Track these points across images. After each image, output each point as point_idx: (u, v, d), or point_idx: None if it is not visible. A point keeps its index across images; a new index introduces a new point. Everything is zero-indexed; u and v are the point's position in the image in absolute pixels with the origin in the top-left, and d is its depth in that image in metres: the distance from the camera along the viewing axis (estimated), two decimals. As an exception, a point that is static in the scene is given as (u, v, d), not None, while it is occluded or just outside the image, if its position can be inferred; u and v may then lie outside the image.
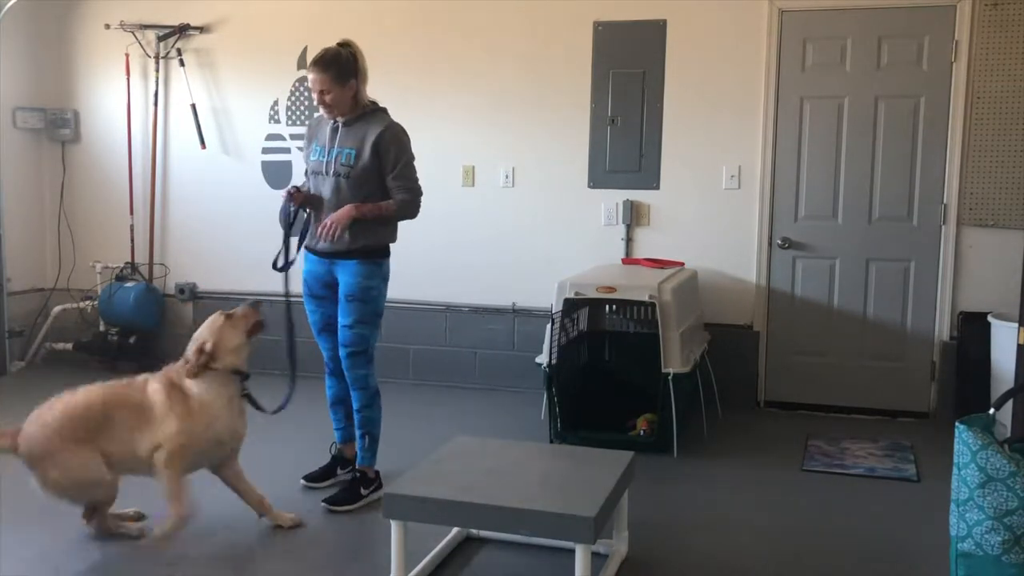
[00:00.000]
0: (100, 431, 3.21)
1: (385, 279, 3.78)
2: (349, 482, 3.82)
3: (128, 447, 3.23)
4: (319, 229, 3.63)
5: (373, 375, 3.79)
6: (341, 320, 3.72)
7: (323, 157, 3.71)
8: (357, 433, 3.83)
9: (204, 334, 3.40)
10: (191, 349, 3.38)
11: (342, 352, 3.75)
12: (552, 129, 5.59)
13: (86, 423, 3.20)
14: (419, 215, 3.76)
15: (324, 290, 3.80)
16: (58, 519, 3.50)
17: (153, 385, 3.32)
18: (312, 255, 3.81)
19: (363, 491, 3.75)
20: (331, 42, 3.70)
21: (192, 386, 3.31)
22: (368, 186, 3.66)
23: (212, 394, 3.32)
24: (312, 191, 3.77)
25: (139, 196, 6.29)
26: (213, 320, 3.45)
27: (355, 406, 3.82)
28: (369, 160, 3.63)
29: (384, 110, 3.77)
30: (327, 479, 3.93)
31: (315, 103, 3.70)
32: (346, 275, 3.71)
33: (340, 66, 3.60)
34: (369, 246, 3.69)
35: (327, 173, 3.68)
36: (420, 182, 3.75)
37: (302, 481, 3.87)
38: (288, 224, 3.78)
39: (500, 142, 5.68)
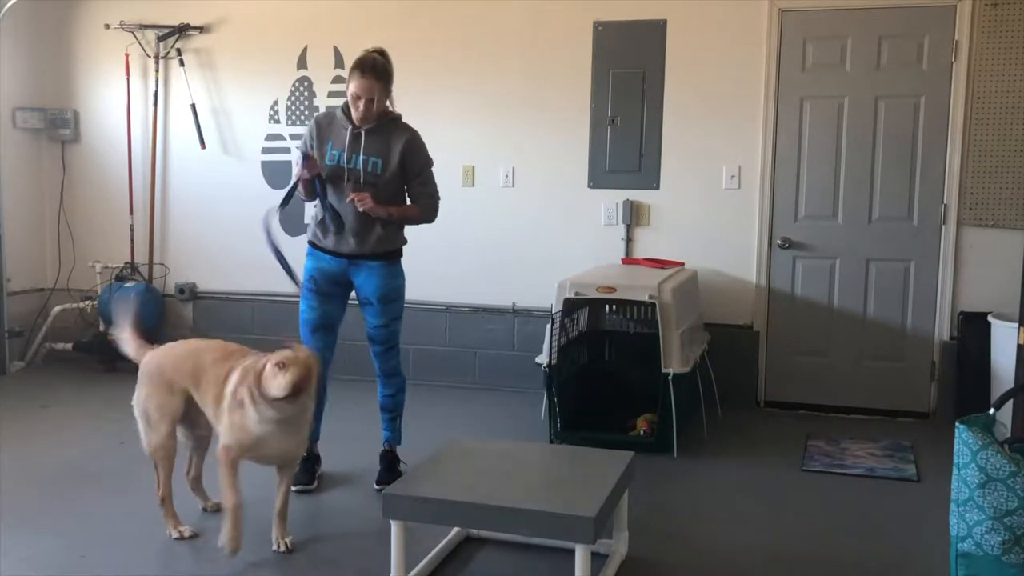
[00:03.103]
0: (199, 378, 3.28)
1: (404, 276, 3.99)
2: (387, 463, 3.99)
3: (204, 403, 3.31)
4: (351, 198, 3.71)
5: (402, 363, 4.02)
6: (375, 321, 3.88)
7: (343, 163, 3.78)
8: (386, 417, 4.00)
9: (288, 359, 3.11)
10: (271, 362, 3.08)
11: (378, 349, 3.91)
12: (552, 129, 5.59)
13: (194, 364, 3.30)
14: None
15: (334, 288, 3.88)
16: (58, 520, 3.51)
17: (236, 376, 3.18)
18: (325, 254, 3.86)
19: (399, 466, 3.96)
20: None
21: (248, 403, 3.12)
22: (390, 192, 3.82)
23: (257, 418, 3.11)
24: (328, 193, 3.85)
25: (139, 196, 6.28)
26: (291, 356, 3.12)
27: (388, 392, 3.99)
28: (396, 168, 3.79)
29: (400, 116, 3.90)
30: (312, 480, 3.92)
31: (357, 111, 3.71)
32: (374, 278, 3.85)
33: (390, 75, 3.75)
34: (396, 249, 3.91)
35: (350, 179, 3.78)
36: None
37: (292, 488, 3.82)
38: (320, 195, 3.79)
39: (500, 142, 5.68)
